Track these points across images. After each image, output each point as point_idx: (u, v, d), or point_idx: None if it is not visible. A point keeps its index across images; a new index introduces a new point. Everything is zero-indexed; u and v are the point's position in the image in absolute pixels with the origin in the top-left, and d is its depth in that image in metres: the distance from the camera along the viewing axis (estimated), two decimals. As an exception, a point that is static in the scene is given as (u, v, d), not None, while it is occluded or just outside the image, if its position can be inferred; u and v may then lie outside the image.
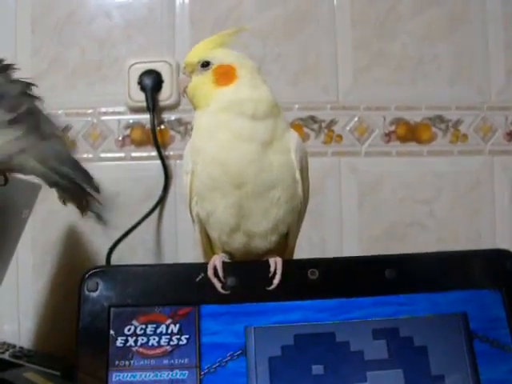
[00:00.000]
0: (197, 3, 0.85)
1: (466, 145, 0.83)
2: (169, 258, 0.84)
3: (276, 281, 0.43)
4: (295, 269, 0.43)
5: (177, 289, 0.42)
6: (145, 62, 0.83)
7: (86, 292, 0.42)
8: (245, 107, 0.44)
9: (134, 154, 0.84)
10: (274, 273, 0.43)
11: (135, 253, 0.83)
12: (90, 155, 0.84)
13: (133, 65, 0.83)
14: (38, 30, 0.85)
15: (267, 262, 0.44)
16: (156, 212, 0.83)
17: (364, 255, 0.47)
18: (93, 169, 0.82)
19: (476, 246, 0.80)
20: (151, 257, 0.84)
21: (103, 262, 0.81)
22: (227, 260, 0.46)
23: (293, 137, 0.47)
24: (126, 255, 0.82)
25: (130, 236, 0.82)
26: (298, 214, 0.47)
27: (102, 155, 0.84)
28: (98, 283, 0.42)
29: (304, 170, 0.47)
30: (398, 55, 0.83)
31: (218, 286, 0.43)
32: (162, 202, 0.83)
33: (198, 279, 0.43)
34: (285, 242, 0.48)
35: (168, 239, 0.84)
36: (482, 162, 0.83)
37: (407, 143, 0.82)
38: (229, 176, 0.44)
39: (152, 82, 0.82)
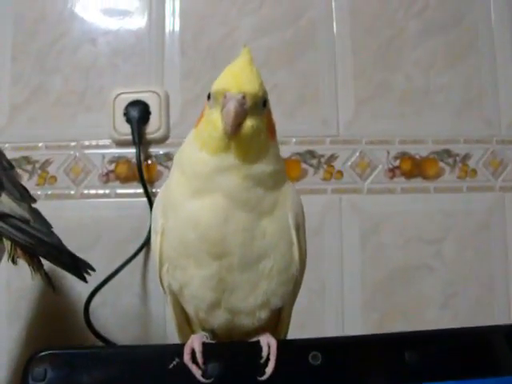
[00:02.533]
0: (187, 30, 0.80)
1: (475, 181, 0.78)
2: (156, 304, 0.76)
3: (269, 369, 0.34)
4: (293, 352, 0.33)
5: (145, 378, 0.32)
6: (131, 92, 0.77)
7: (31, 382, 0.32)
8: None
9: (118, 191, 0.78)
10: (267, 358, 0.34)
11: (120, 298, 0.76)
12: (72, 191, 0.78)
13: (119, 95, 0.77)
14: (19, 57, 0.79)
15: (258, 343, 0.34)
16: (142, 253, 0.76)
17: (379, 333, 0.37)
18: (74, 206, 0.78)
19: (488, 291, 0.76)
20: (137, 302, 0.76)
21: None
22: (208, 341, 0.36)
23: (289, 191, 0.40)
24: (109, 300, 0.75)
25: (115, 279, 0.74)
26: (294, 283, 0.39)
27: (85, 191, 0.78)
28: (46, 371, 0.32)
29: (300, 229, 0.40)
30: (402, 86, 0.79)
31: (197, 373, 0.35)
32: (148, 242, 0.75)
33: (171, 366, 0.33)
34: (277, 317, 0.39)
35: (156, 283, 0.75)
36: (492, 198, 0.78)
37: (413, 179, 0.78)
38: (207, 243, 0.36)
39: (139, 114, 0.76)
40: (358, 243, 0.76)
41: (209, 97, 0.40)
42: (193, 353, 0.35)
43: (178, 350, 0.34)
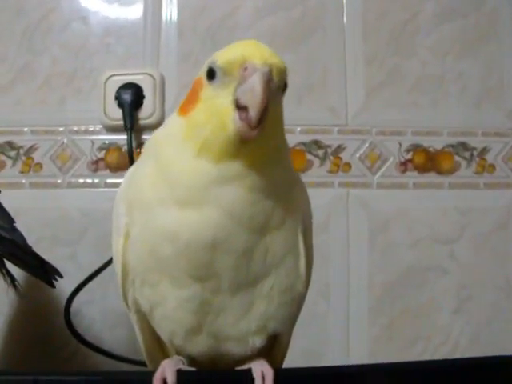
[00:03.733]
0: (186, 10, 0.75)
1: (493, 176, 0.75)
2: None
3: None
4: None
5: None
6: (124, 74, 0.73)
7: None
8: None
9: (108, 180, 0.74)
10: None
11: (106, 293, 0.71)
12: (59, 180, 0.74)
13: (110, 77, 0.73)
14: (4, 36, 0.76)
15: (249, 372, 0.28)
16: (132, 248, 0.70)
17: (387, 363, 0.31)
18: (61, 196, 0.73)
19: (505, 295, 0.74)
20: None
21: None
22: (184, 368, 0.30)
23: (300, 194, 0.34)
24: (96, 296, 0.71)
25: (102, 275, 0.68)
26: (298, 304, 0.33)
27: (72, 180, 0.74)
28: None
29: (308, 232, 0.34)
30: (416, 73, 0.76)
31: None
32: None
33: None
34: (273, 339, 0.33)
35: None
36: (511, 196, 0.75)
37: (426, 174, 0.75)
38: (187, 264, 0.30)
39: (131, 97, 0.71)
40: (366, 242, 0.74)
41: (211, 73, 0.32)
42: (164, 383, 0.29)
43: (145, 378, 0.28)
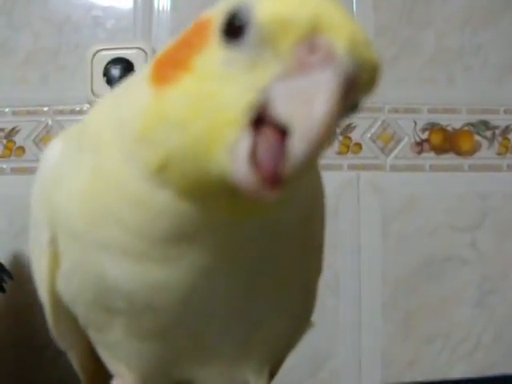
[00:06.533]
0: None
1: None
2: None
3: None
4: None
5: None
6: (112, 49, 0.68)
7: None
8: None
9: None
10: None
11: None
12: None
13: (97, 52, 0.68)
14: None
15: None
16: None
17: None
18: None
19: None
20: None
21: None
22: None
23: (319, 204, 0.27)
24: None
25: None
26: (300, 328, 0.28)
27: None
28: None
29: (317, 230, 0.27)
30: (432, 45, 0.72)
31: None
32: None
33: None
34: None
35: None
36: None
37: (444, 155, 0.72)
38: (151, 323, 0.23)
39: (121, 74, 0.67)
40: (379, 230, 0.71)
41: (234, 27, 0.18)
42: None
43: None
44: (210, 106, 0.18)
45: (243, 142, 0.17)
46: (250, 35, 0.17)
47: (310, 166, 0.18)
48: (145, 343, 0.23)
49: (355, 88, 0.18)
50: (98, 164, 0.21)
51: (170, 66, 0.19)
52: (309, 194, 0.24)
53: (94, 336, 0.24)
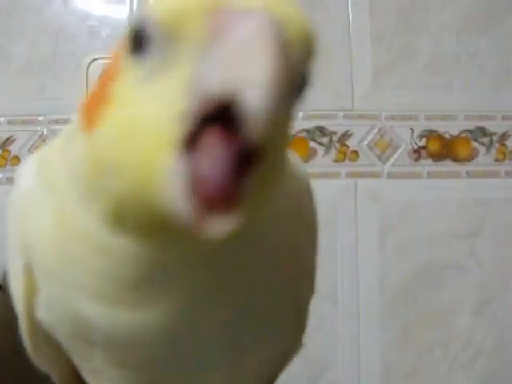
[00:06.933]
0: None
1: None
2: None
3: None
4: None
5: None
6: (108, 58, 0.66)
7: None
8: None
9: None
10: None
11: None
12: None
13: (93, 61, 0.69)
14: None
15: None
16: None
17: None
18: None
19: None
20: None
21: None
22: None
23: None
24: None
25: None
26: (290, 350, 0.28)
27: None
28: None
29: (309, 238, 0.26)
30: (429, 51, 0.72)
31: None
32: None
33: None
34: None
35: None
36: None
37: (441, 162, 0.72)
38: (128, 360, 0.22)
39: None
40: (377, 237, 0.71)
41: (137, 39, 0.17)
42: None
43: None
44: (137, 135, 0.16)
45: (178, 166, 0.15)
46: (156, 40, 0.17)
47: (276, 164, 0.17)
48: (128, 373, 0.23)
49: (291, 52, 0.16)
50: (60, 206, 0.20)
51: (94, 106, 0.18)
52: (290, 206, 0.22)
53: (77, 361, 0.24)
